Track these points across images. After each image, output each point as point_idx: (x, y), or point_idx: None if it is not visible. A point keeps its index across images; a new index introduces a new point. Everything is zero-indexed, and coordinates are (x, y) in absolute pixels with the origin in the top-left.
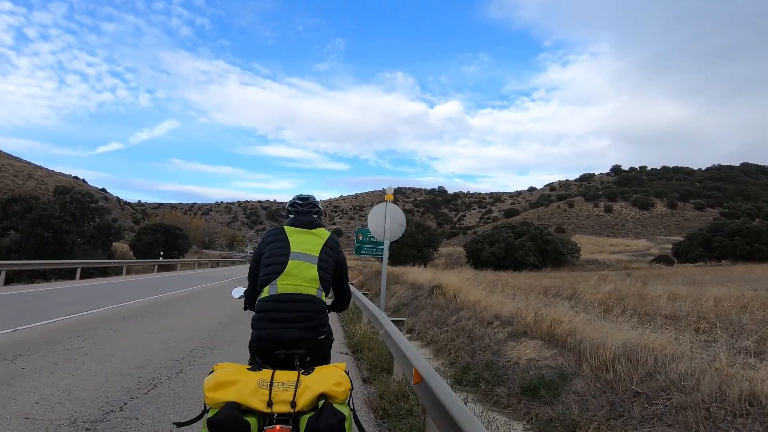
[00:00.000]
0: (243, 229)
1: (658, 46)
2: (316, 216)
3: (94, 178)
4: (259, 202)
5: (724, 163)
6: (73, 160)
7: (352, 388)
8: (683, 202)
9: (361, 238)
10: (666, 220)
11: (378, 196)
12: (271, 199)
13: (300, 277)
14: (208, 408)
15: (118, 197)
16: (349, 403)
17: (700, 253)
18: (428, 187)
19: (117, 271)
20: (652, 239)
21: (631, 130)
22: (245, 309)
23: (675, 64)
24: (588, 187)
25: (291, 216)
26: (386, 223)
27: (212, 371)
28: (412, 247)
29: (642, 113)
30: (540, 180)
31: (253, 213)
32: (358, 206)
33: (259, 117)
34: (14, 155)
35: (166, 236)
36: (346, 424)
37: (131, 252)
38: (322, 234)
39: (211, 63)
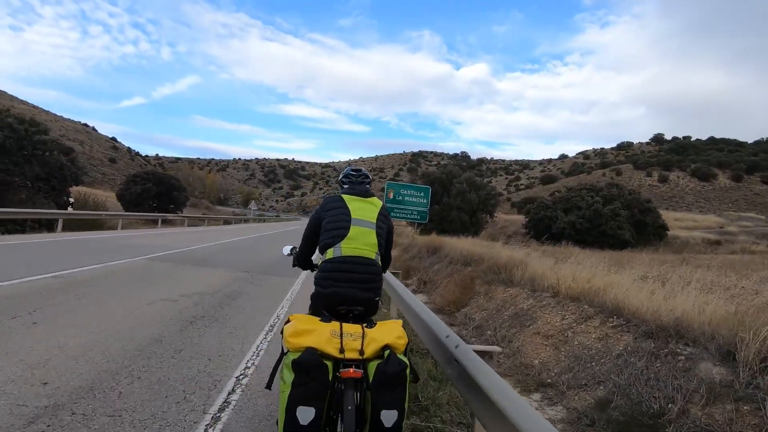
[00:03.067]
0: (260, 187)
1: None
2: (368, 186)
3: (119, 132)
4: (277, 160)
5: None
6: (99, 113)
7: (409, 342)
8: (748, 175)
9: (392, 195)
10: (732, 194)
11: (399, 159)
12: (290, 158)
13: (362, 241)
14: (286, 351)
15: (129, 148)
16: (406, 354)
17: None
18: (450, 152)
19: (93, 225)
20: (721, 215)
21: (670, 99)
22: (294, 266)
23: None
24: (633, 155)
25: (345, 186)
26: None
27: (289, 320)
28: (463, 211)
29: (683, 81)
30: (565, 149)
31: (271, 171)
32: (378, 168)
33: (280, 74)
34: (19, 98)
35: (158, 187)
36: (407, 372)
37: (119, 203)
38: (377, 203)
39: (232, 16)
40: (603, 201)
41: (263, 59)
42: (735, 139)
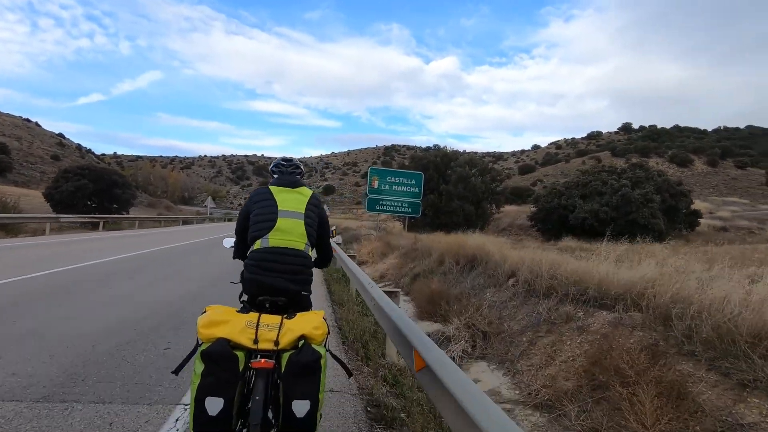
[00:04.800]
0: (228, 185)
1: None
2: (299, 176)
3: (77, 132)
4: (246, 156)
5: (727, 125)
6: (55, 112)
7: (329, 333)
8: (722, 160)
9: (376, 183)
10: (710, 179)
11: (372, 153)
12: (259, 155)
13: (289, 232)
14: (200, 342)
15: (79, 144)
16: (325, 345)
17: None
18: (422, 146)
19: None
20: (706, 200)
21: (632, 91)
22: (234, 258)
23: (681, 20)
24: (604, 144)
25: (275, 176)
26: None
27: (205, 311)
28: (466, 200)
29: (644, 73)
30: (534, 141)
31: (239, 168)
32: (351, 162)
33: (247, 69)
34: None
35: (96, 183)
36: (322, 362)
37: (48, 204)
38: (305, 192)
39: (195, 8)
40: (631, 184)
41: (229, 54)
42: (697, 128)
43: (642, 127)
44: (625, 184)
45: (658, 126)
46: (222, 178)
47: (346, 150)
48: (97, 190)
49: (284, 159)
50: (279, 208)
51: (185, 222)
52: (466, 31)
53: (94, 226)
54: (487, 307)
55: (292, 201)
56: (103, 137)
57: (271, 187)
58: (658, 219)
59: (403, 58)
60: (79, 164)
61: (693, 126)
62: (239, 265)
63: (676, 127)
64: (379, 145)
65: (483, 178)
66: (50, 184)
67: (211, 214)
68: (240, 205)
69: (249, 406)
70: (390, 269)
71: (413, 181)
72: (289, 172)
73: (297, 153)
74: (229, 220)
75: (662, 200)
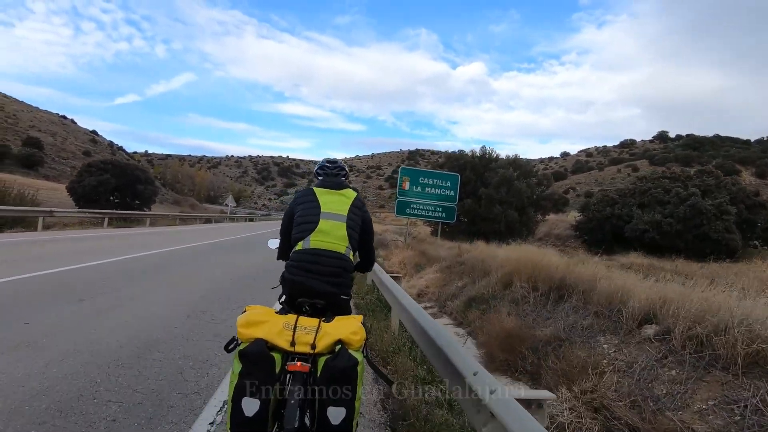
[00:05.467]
0: (253, 185)
1: (703, 5)
2: (344, 178)
3: (112, 130)
4: (271, 157)
5: (764, 136)
6: (92, 111)
7: (367, 338)
8: None
9: (407, 185)
10: (761, 192)
11: (396, 157)
12: (284, 156)
13: (331, 234)
14: (239, 342)
15: (111, 142)
16: (363, 351)
17: None
18: (447, 150)
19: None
20: None
21: (665, 100)
22: (278, 259)
23: (720, 27)
24: (639, 153)
25: (320, 178)
26: None
27: (245, 311)
28: (509, 206)
29: (679, 81)
30: (561, 148)
31: (265, 168)
32: (375, 166)
33: (275, 73)
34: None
35: (119, 179)
36: (359, 368)
37: (70, 198)
38: (349, 194)
39: (227, 13)
40: (700, 193)
41: (259, 57)
42: (738, 138)
43: (679, 136)
44: (694, 193)
45: (696, 135)
46: (248, 178)
47: (370, 153)
48: (119, 185)
49: (329, 161)
50: (321, 210)
51: (206, 221)
52: (495, 37)
53: (104, 222)
54: (613, 372)
55: (335, 203)
56: (137, 136)
57: (315, 189)
58: (734, 234)
59: (430, 63)
60: (103, 158)
61: (733, 136)
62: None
63: (717, 136)
64: (404, 149)
65: (528, 182)
66: (74, 178)
67: (233, 213)
68: (264, 205)
69: (284, 409)
70: (429, 287)
71: (448, 183)
72: (334, 174)
73: (321, 155)
74: (251, 220)
75: (737, 212)
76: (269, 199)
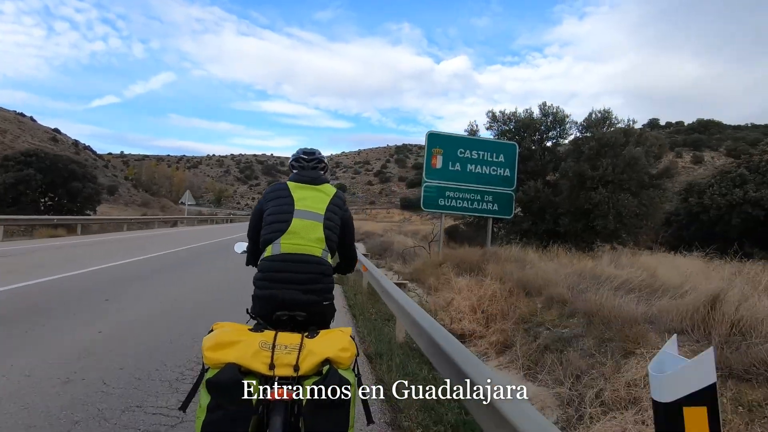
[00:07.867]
0: (235, 184)
1: None
2: (322, 172)
3: (90, 133)
4: (255, 155)
5: (748, 122)
6: (69, 114)
7: (358, 354)
8: None
9: (438, 162)
10: None
11: (383, 152)
12: (268, 154)
13: (305, 236)
14: (207, 368)
15: (76, 140)
16: (354, 369)
17: None
18: None
19: None
20: None
21: (647, 89)
22: (247, 265)
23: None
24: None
25: (295, 171)
26: None
27: (212, 330)
28: (618, 187)
29: (660, 70)
30: None
31: (248, 167)
32: (362, 161)
33: (258, 71)
34: None
35: (47, 175)
36: (351, 390)
37: None
38: (328, 190)
39: (206, 10)
40: None
41: (240, 55)
42: (728, 124)
43: (669, 123)
44: None
45: (685, 123)
46: (230, 178)
47: (357, 149)
48: (48, 182)
49: (305, 151)
50: (295, 208)
51: (173, 224)
52: (478, 30)
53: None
54: None
55: (311, 199)
56: (117, 139)
57: (289, 183)
58: None
59: (414, 58)
60: (27, 150)
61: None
62: None
63: (711, 121)
64: (390, 144)
65: (647, 148)
66: None
67: (194, 214)
68: (247, 205)
69: None
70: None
71: (502, 158)
72: (311, 166)
73: None
74: (230, 221)
75: None
76: (252, 198)
